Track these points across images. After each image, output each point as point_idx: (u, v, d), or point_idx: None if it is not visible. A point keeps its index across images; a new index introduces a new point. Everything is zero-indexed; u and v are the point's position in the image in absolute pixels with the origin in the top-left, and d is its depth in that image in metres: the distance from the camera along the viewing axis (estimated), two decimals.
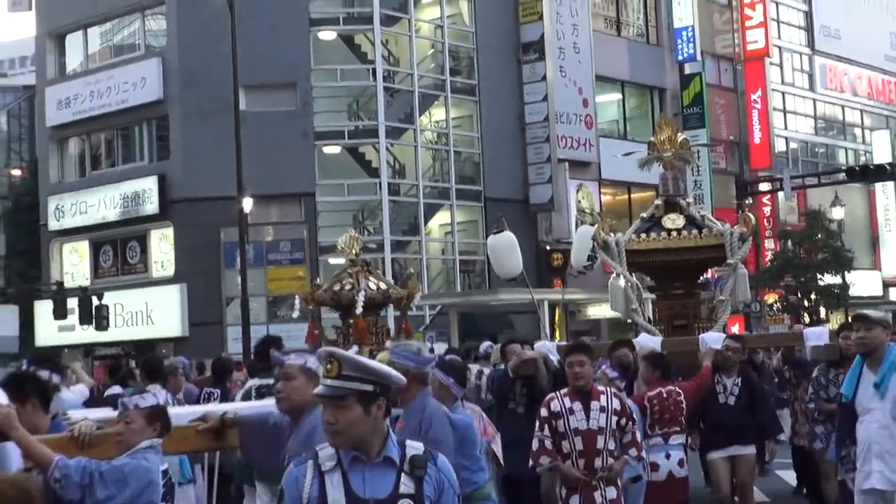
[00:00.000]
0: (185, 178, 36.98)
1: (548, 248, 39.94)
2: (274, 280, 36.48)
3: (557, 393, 8.85)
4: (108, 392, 12.18)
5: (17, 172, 49.81)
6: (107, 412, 7.34)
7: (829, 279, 42.63)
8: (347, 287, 16.29)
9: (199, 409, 7.56)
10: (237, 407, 7.51)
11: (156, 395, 6.32)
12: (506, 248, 17.69)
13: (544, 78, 40.99)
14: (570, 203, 41.18)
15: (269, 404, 6.78)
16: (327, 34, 39.24)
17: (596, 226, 14.47)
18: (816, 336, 12.83)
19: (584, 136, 42.08)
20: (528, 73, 41.43)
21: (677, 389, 10.54)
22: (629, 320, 14.41)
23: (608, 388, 8.91)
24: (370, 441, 4.34)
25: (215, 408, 7.45)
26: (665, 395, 10.40)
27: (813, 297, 42.61)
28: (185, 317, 36.76)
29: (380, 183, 37.85)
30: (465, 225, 40.38)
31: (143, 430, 5.99)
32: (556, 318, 37.01)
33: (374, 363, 4.46)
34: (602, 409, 8.53)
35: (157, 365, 12.23)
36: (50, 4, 42.89)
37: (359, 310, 15.87)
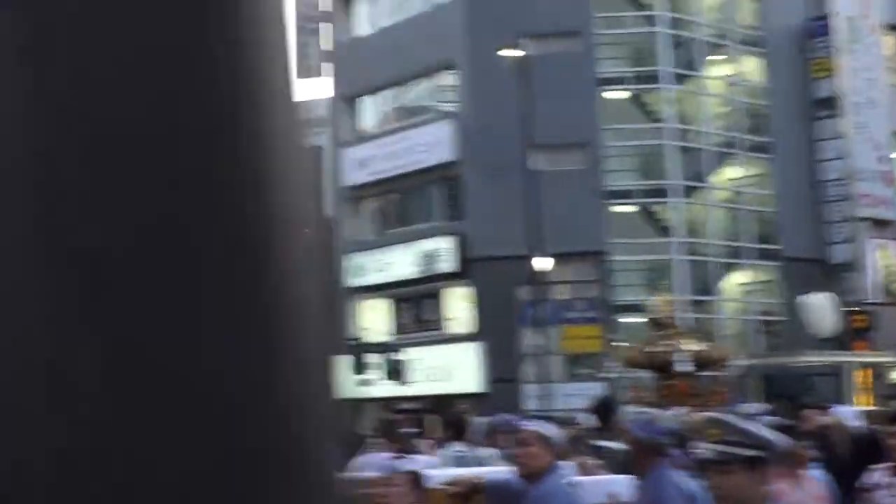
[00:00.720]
0: (480, 236, 37.75)
1: (849, 308, 38.63)
2: (569, 339, 36.61)
3: (880, 466, 8.58)
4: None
5: None
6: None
7: None
8: (663, 349, 16.40)
9: (451, 471, 7.77)
10: (483, 471, 7.67)
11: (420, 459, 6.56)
12: (824, 307, 17.42)
13: (839, 135, 40.02)
14: (870, 263, 39.82)
15: (512, 469, 6.82)
16: (615, 94, 39.50)
17: None
18: None
19: (882, 193, 40.77)
20: (822, 129, 40.52)
21: None
22: None
23: None
24: None
25: (465, 472, 7.62)
26: None
27: None
28: (483, 374, 37.36)
29: (672, 242, 37.71)
30: (763, 284, 39.65)
31: (407, 494, 6.24)
32: (863, 381, 35.69)
33: (756, 429, 4.51)
34: None
35: (459, 420, 12.37)
36: (343, 70, 44.55)
37: (682, 370, 15.96)
